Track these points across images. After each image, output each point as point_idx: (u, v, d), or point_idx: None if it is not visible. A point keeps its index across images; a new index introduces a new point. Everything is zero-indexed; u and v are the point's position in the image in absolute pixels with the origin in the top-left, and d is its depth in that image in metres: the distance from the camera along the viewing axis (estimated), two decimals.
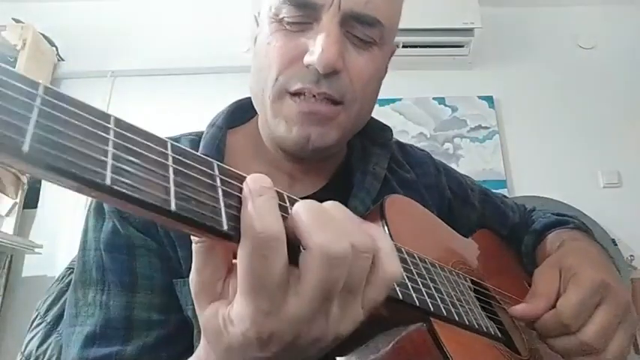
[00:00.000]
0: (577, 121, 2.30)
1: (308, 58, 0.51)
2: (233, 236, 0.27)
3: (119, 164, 0.23)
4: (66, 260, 0.75)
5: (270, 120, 0.55)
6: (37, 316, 0.69)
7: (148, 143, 0.25)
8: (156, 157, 0.25)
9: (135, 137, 0.25)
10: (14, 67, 2.07)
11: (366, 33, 0.53)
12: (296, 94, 0.52)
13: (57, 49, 2.31)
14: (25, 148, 0.20)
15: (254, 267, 0.27)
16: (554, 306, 0.52)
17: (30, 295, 1.91)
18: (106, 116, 0.24)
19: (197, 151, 0.59)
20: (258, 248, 0.27)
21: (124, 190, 0.22)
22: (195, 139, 0.62)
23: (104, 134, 0.23)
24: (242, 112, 0.67)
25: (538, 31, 2.48)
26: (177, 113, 2.15)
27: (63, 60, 2.34)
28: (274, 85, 0.53)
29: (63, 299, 0.68)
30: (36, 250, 1.99)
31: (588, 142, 2.26)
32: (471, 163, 2.22)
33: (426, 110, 2.32)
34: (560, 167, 2.22)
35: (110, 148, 0.23)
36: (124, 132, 0.24)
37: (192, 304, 0.51)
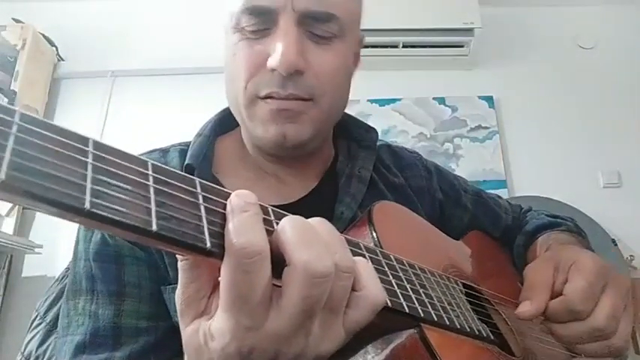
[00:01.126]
0: (577, 121, 2.30)
1: (270, 62, 0.52)
2: (217, 253, 0.27)
3: (98, 187, 0.23)
4: (66, 260, 0.75)
5: (248, 124, 0.57)
6: (36, 316, 0.69)
7: (128, 164, 0.25)
8: (136, 178, 0.25)
9: (114, 159, 0.25)
10: (14, 67, 2.07)
11: (324, 29, 0.54)
12: (266, 97, 0.54)
13: (57, 49, 2.31)
14: (2, 176, 0.20)
15: (237, 282, 0.27)
16: (555, 295, 0.52)
17: (30, 295, 1.91)
18: (84, 139, 0.24)
19: (185, 161, 0.58)
20: (242, 264, 0.27)
21: (103, 213, 0.22)
22: (185, 149, 0.63)
23: (82, 158, 0.23)
24: (231, 119, 0.67)
25: (538, 31, 2.48)
26: (177, 113, 2.15)
27: (63, 60, 2.33)
28: (244, 93, 0.54)
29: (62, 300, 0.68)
30: (36, 250, 1.99)
31: (588, 142, 2.26)
32: (471, 163, 2.22)
33: (426, 110, 2.31)
34: (560, 167, 2.22)
35: (89, 172, 0.23)
36: (102, 154, 0.24)
37: None
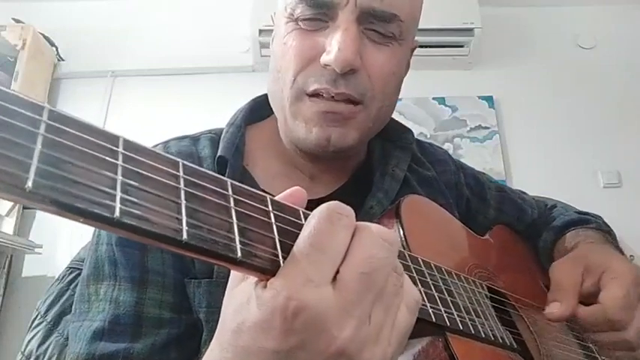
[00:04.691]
0: (577, 121, 2.29)
1: (325, 58, 0.50)
2: (246, 264, 0.26)
3: (128, 196, 0.22)
4: (66, 260, 0.75)
5: (290, 121, 0.54)
6: (37, 315, 0.69)
7: (159, 165, 0.24)
8: (167, 181, 0.24)
9: (145, 160, 0.24)
10: (14, 67, 2.07)
11: (385, 28, 0.52)
12: (314, 94, 0.51)
13: (57, 49, 2.30)
14: (29, 184, 0.18)
15: (320, 230, 0.27)
16: (583, 298, 0.52)
17: (30, 295, 1.91)
18: (114, 139, 0.23)
19: (217, 151, 0.57)
20: (331, 215, 0.28)
21: (133, 223, 0.21)
22: (215, 137, 0.61)
23: (112, 160, 0.22)
24: (261, 109, 0.66)
25: (538, 31, 2.48)
26: (177, 113, 2.15)
27: (63, 60, 2.33)
28: (292, 86, 0.52)
29: (63, 299, 0.68)
30: (36, 250, 1.98)
31: (588, 142, 2.25)
32: (471, 163, 2.15)
33: (426, 110, 2.31)
34: (560, 167, 2.21)
35: (119, 177, 0.22)
36: (133, 155, 0.23)
37: (205, 306, 0.50)
